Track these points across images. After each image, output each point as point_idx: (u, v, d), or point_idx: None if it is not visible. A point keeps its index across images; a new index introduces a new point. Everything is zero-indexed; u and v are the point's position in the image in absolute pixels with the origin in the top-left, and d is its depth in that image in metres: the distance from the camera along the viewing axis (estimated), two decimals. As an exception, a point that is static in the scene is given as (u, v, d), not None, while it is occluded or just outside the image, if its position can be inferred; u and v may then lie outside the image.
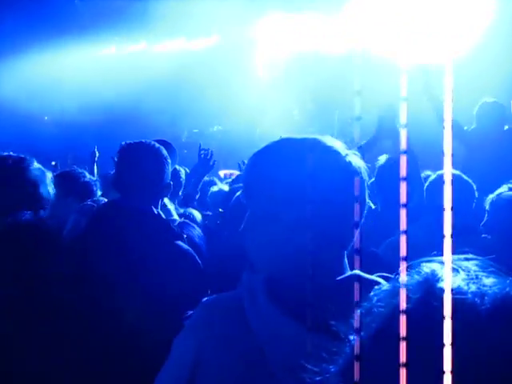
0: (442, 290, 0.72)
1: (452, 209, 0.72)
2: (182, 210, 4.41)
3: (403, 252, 0.82)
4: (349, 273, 1.32)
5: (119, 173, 2.56)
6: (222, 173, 12.59)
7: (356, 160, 1.36)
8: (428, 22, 6.09)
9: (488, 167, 5.25)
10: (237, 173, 9.89)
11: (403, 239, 0.83)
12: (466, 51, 8.36)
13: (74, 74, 17.91)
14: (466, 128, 5.88)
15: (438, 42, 5.75)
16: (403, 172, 0.90)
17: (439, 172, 3.58)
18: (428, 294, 0.74)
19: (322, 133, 1.44)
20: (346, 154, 1.36)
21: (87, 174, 4.23)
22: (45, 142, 12.76)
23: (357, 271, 1.25)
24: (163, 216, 2.48)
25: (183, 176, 4.87)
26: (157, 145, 2.57)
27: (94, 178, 4.11)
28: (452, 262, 0.76)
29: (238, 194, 2.97)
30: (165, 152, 2.57)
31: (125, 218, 2.34)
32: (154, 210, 2.43)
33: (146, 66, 16.48)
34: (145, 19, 15.48)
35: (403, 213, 0.88)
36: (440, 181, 3.46)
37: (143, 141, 2.62)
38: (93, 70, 19.96)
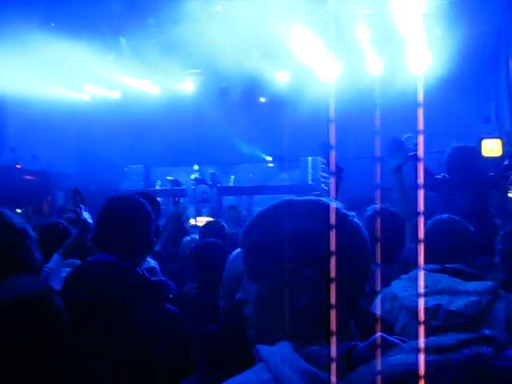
0: None
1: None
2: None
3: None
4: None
5: (101, 229, 2.43)
6: (193, 221, 12.41)
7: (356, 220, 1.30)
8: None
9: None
10: (208, 219, 9.77)
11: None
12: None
13: (48, 119, 17.97)
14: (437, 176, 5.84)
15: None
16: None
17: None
18: None
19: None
20: (353, 216, 1.30)
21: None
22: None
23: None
24: (148, 276, 2.35)
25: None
26: (141, 200, 2.45)
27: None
28: None
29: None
30: (149, 207, 2.45)
31: (108, 279, 2.20)
32: (139, 269, 2.30)
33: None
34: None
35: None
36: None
37: (126, 195, 2.52)
38: (71, 115, 20.00)
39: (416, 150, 5.87)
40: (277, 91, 18.02)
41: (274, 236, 1.21)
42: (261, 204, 8.73)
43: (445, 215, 3.48)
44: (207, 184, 15.14)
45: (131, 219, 2.34)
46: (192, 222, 11.35)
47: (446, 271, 3.03)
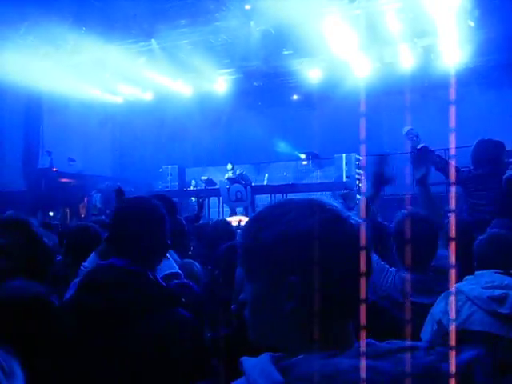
0: None
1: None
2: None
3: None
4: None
5: (114, 232, 2.39)
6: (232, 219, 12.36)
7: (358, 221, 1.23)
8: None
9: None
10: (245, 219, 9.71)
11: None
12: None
13: (83, 121, 18.27)
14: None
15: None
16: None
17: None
18: None
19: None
20: (348, 216, 1.22)
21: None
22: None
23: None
24: (159, 280, 2.29)
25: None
26: (154, 202, 2.40)
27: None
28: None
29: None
30: (163, 210, 2.40)
31: (119, 284, 2.15)
32: (150, 274, 2.24)
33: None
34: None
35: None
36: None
37: (140, 197, 2.46)
38: (105, 117, 20.38)
39: (419, 142, 5.76)
40: (309, 88, 17.90)
41: (265, 237, 1.18)
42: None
43: (494, 230, 3.49)
44: (241, 183, 15.10)
45: (143, 222, 2.28)
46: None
47: (510, 274, 3.12)
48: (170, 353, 2.06)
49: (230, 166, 15.79)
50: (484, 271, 3.09)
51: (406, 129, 5.93)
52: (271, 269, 1.17)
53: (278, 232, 1.16)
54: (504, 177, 5.20)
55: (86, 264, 3.45)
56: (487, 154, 5.43)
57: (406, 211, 3.64)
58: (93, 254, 3.48)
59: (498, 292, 2.95)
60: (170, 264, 3.27)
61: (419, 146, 5.92)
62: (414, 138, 5.85)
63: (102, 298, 2.12)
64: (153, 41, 16.12)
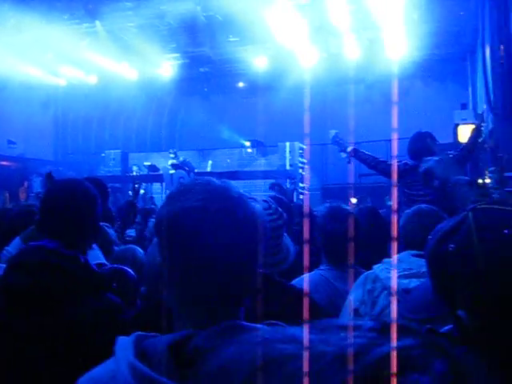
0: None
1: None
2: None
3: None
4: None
5: (44, 214, 2.37)
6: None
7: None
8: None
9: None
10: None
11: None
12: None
13: (24, 104, 17.77)
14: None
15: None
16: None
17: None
18: None
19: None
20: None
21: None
22: None
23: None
24: (90, 265, 2.28)
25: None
26: (86, 184, 2.39)
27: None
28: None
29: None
30: (94, 192, 2.39)
31: (48, 265, 2.14)
32: (82, 258, 2.24)
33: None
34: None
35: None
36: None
37: (70, 179, 2.45)
38: (47, 100, 19.85)
39: (345, 145, 6.00)
40: (255, 76, 17.93)
41: (158, 217, 1.27)
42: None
43: (423, 205, 3.43)
44: (184, 169, 15.03)
45: (74, 204, 2.27)
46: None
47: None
48: (91, 339, 2.06)
49: (172, 153, 15.66)
50: (404, 254, 2.95)
51: (332, 133, 6.12)
52: (160, 246, 1.25)
53: (168, 211, 1.23)
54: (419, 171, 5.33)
55: (9, 248, 3.40)
56: (421, 146, 5.58)
57: (328, 204, 3.59)
58: (17, 238, 3.43)
59: (413, 283, 2.73)
60: (96, 254, 3.23)
61: (349, 149, 6.10)
62: (340, 142, 6.04)
63: (30, 279, 2.11)
64: (97, 22, 15.81)
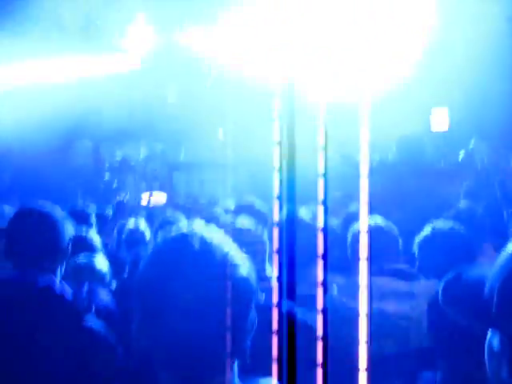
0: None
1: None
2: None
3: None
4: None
5: (10, 243, 2.35)
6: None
7: None
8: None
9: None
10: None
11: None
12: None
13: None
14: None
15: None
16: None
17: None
18: None
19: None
20: None
21: None
22: None
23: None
24: (65, 287, 2.26)
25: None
26: (46, 209, 2.37)
27: None
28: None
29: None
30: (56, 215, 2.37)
31: (21, 298, 2.13)
32: (56, 280, 2.22)
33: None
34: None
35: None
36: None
37: (31, 207, 2.43)
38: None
39: None
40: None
41: None
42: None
43: None
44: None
45: (38, 230, 2.26)
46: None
47: None
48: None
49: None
50: None
51: None
52: None
53: None
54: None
55: None
56: None
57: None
58: None
59: None
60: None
61: None
62: None
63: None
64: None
